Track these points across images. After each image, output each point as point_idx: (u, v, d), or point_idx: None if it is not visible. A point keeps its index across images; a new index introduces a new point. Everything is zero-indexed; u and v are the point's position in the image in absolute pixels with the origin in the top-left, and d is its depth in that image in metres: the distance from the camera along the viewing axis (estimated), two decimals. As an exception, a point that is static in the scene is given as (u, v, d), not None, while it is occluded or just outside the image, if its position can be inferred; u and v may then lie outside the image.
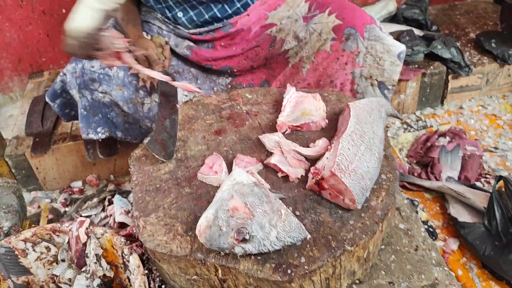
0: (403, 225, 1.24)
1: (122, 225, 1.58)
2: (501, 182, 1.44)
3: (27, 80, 2.21)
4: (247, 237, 0.93)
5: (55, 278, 1.17)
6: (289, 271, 0.94)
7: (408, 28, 2.07)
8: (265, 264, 0.95)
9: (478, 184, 1.65)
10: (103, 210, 1.70)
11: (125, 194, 1.75)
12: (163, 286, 1.16)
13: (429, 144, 1.79)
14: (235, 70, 1.56)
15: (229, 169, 1.14)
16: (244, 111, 1.35)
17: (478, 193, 1.51)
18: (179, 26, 1.52)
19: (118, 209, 1.60)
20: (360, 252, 1.02)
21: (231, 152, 1.21)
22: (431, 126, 1.95)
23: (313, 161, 1.13)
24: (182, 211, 1.07)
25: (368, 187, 1.04)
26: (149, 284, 1.21)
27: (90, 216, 1.67)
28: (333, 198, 1.04)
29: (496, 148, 1.80)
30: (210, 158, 1.16)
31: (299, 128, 1.24)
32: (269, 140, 1.19)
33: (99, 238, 1.13)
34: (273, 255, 0.96)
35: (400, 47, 1.47)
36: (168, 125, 1.24)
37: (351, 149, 1.06)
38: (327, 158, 1.07)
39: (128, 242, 1.08)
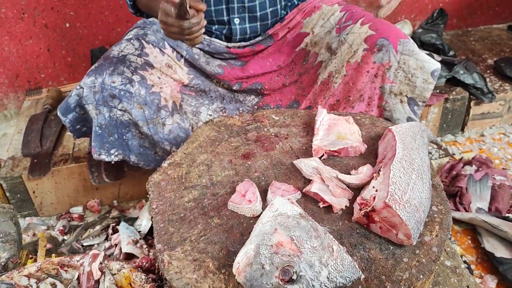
0: (449, 262, 1.13)
1: (129, 256, 1.45)
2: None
3: (24, 97, 2.07)
4: (294, 277, 0.81)
5: (60, 319, 1.03)
6: (341, 317, 0.81)
7: (427, 52, 2.01)
8: (314, 308, 0.82)
9: (510, 216, 1.56)
10: (107, 239, 1.56)
11: (130, 221, 1.61)
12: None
13: (454, 173, 1.70)
14: (266, 87, 1.47)
15: (263, 197, 1.03)
16: (273, 134, 1.24)
17: (516, 226, 1.41)
18: (215, 40, 1.43)
19: (124, 238, 1.46)
20: (415, 295, 0.91)
21: (263, 178, 1.09)
22: (454, 154, 1.86)
23: (355, 190, 1.03)
24: (213, 245, 0.95)
25: (422, 220, 0.93)
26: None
27: (93, 245, 1.53)
28: (384, 232, 0.93)
29: (524, 178, 1.72)
30: (241, 185, 1.04)
31: (336, 153, 1.13)
32: (306, 165, 1.07)
33: (115, 274, 1.00)
34: (323, 298, 0.84)
35: (435, 65, 1.39)
36: None
37: (403, 177, 0.95)
38: (374, 187, 0.96)
39: (150, 279, 0.95)
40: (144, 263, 1.34)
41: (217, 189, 1.08)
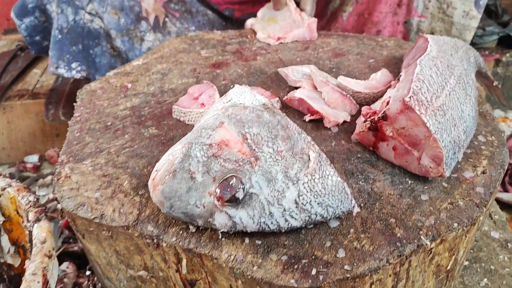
0: (497, 234, 0.77)
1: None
2: None
3: (1, 36, 1.83)
4: (239, 195, 0.48)
5: None
6: (313, 272, 0.48)
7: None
8: (269, 254, 0.49)
9: None
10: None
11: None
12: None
13: (503, 149, 1.33)
14: None
15: (226, 107, 0.70)
16: (258, 48, 0.92)
17: None
18: None
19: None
20: (444, 257, 0.56)
21: (231, 86, 0.77)
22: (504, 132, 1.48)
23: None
24: (137, 159, 0.63)
25: (463, 145, 0.59)
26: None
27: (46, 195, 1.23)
28: (400, 156, 0.59)
29: None
30: (196, 86, 0.73)
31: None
32: (294, 71, 0.75)
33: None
34: (285, 238, 0.50)
35: None
36: None
37: (435, 77, 0.61)
38: (391, 96, 0.62)
39: (38, 202, 0.63)
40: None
41: (165, 97, 0.76)
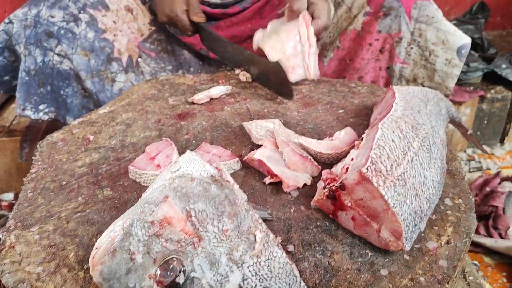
0: (472, 297, 0.74)
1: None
2: None
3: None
4: (180, 279, 0.45)
5: None
6: None
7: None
8: None
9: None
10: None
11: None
12: None
13: (488, 189, 1.30)
14: None
15: (185, 166, 0.68)
16: (227, 95, 0.90)
17: None
18: None
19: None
20: (404, 337, 0.53)
21: (194, 142, 0.74)
22: (488, 169, 1.46)
23: (327, 166, 0.66)
24: (88, 226, 0.60)
25: (425, 214, 0.56)
26: None
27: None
28: (359, 227, 0.56)
29: None
30: (154, 145, 0.70)
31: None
32: (258, 127, 0.72)
33: None
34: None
35: (463, 39, 1.04)
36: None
37: (398, 142, 0.59)
38: (353, 159, 0.60)
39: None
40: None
41: (125, 153, 0.74)
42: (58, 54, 1.03)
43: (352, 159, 0.59)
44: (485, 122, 1.50)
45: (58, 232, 0.60)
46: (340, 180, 0.55)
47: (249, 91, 0.92)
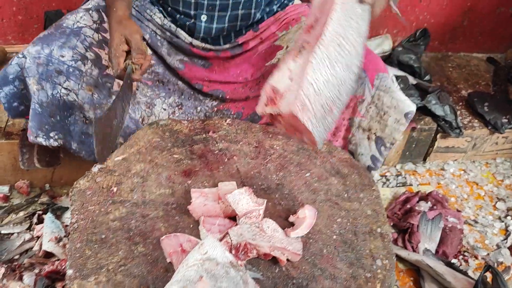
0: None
1: (48, 255, 1.32)
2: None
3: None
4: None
5: None
6: None
7: (403, 74, 1.93)
8: None
9: (455, 261, 1.51)
10: (29, 228, 1.42)
11: (60, 211, 1.48)
12: None
13: (408, 206, 1.64)
14: (228, 97, 1.35)
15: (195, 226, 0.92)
16: (220, 151, 1.13)
17: (460, 277, 1.36)
18: (179, 34, 1.29)
19: (47, 234, 1.34)
20: None
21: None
22: (411, 185, 1.80)
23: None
24: (131, 279, 0.84)
25: (335, 117, 0.87)
26: None
27: (12, 234, 1.39)
28: (289, 132, 0.89)
29: (475, 221, 1.68)
30: (172, 239, 0.91)
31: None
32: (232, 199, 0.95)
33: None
34: None
35: (410, 107, 1.31)
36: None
37: (324, 72, 0.84)
38: (290, 70, 0.88)
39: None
40: (63, 267, 1.22)
41: (148, 210, 0.97)
42: (65, 88, 1.19)
43: (291, 79, 0.86)
44: (414, 146, 1.82)
45: (110, 283, 0.83)
46: (277, 109, 0.85)
47: (234, 147, 1.15)
